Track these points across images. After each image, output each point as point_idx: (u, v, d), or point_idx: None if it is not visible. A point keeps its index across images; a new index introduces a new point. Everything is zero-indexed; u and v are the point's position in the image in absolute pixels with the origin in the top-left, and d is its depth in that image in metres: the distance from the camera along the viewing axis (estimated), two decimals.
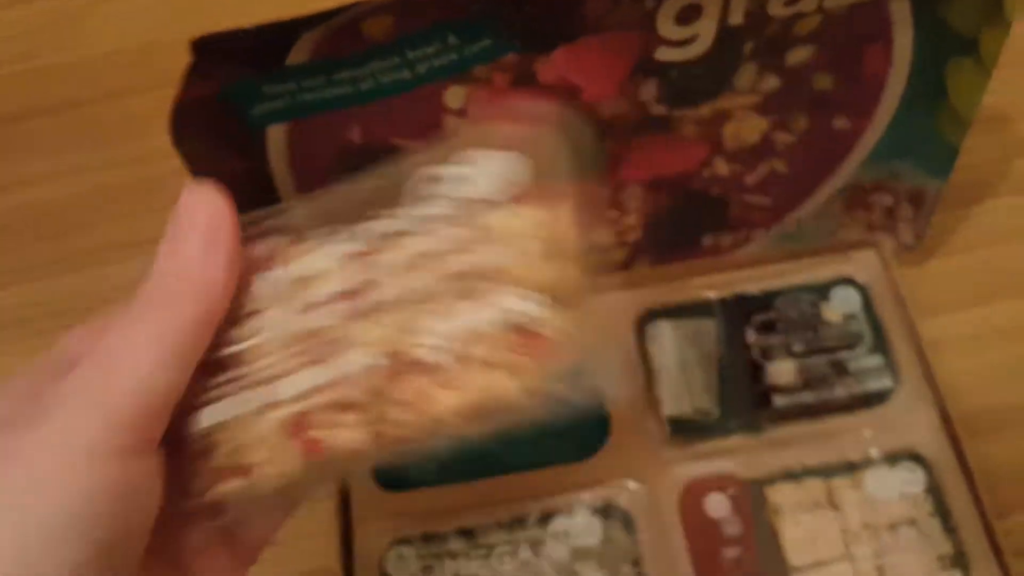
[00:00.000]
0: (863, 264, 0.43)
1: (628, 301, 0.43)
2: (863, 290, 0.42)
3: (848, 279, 0.43)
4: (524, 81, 0.33)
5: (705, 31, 0.32)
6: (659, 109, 0.35)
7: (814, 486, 0.38)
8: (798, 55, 0.34)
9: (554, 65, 0.33)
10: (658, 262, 0.43)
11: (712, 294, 0.43)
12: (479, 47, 0.32)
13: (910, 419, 0.39)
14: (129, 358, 0.21)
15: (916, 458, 0.38)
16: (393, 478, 0.40)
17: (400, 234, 0.23)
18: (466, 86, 0.33)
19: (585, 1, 0.31)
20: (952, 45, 0.34)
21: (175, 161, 0.32)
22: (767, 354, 0.41)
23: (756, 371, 0.41)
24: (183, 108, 0.30)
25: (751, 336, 0.42)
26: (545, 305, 0.22)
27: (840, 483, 0.38)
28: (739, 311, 0.42)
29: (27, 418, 0.21)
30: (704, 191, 0.40)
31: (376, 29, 0.30)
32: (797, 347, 0.41)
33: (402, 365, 0.22)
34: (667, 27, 0.32)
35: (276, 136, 0.33)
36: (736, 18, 0.32)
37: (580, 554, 0.38)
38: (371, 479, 0.40)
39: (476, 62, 0.32)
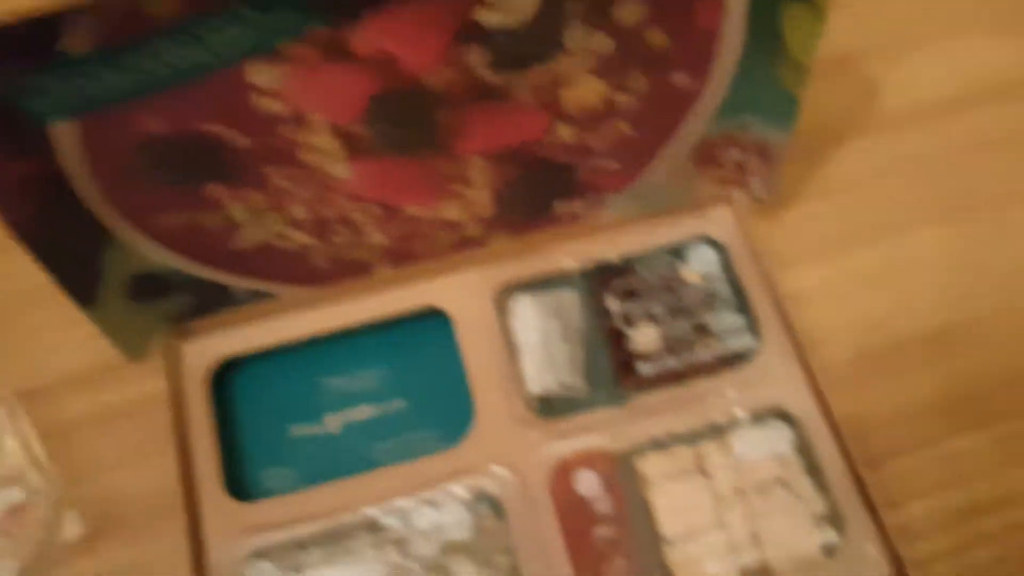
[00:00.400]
0: (718, 221, 0.42)
1: (486, 277, 0.41)
2: (720, 248, 0.41)
3: (704, 237, 0.42)
4: (337, 55, 0.31)
5: None
6: (490, 76, 0.33)
7: (682, 453, 0.37)
8: (628, 12, 0.32)
9: (368, 35, 0.30)
10: (514, 235, 0.41)
11: (571, 263, 0.41)
12: (280, 21, 0.29)
13: (774, 376, 0.38)
14: None
15: (782, 416, 0.38)
16: (247, 487, 0.38)
17: None
18: (273, 64, 0.30)
19: None
20: None
21: None
22: (629, 321, 0.40)
23: (620, 339, 0.40)
24: None
25: (612, 304, 0.40)
26: (30, 486, 0.37)
27: (708, 448, 0.37)
28: (599, 279, 0.41)
29: None
30: (550, 158, 0.38)
31: (160, 9, 0.27)
32: (658, 311, 0.40)
33: None
34: None
35: (64, 134, 0.30)
36: None
37: (451, 549, 0.36)
38: (223, 491, 0.37)
39: (280, 37, 0.29)
